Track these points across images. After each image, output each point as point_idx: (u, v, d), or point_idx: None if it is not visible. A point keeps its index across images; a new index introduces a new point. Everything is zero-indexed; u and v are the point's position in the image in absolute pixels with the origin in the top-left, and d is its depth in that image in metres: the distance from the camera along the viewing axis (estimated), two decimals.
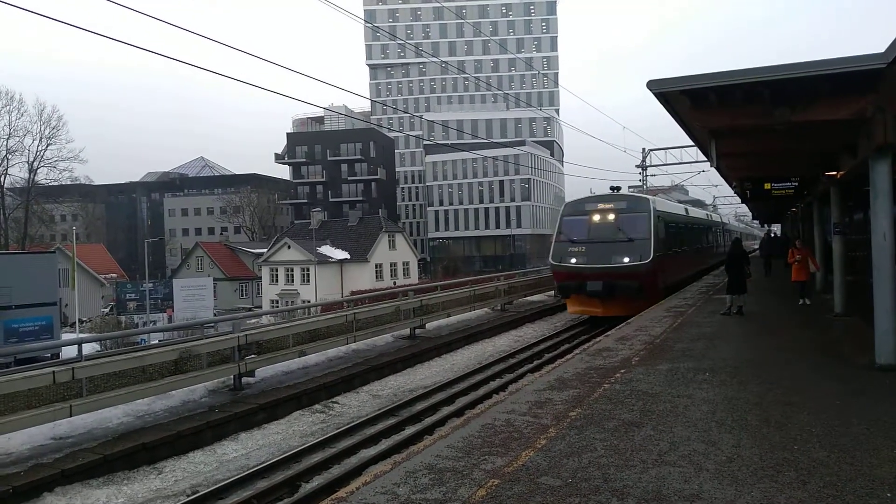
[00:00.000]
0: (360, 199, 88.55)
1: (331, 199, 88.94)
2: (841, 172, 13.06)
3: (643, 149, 42.31)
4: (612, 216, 20.80)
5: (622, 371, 9.51)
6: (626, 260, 19.61)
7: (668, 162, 40.84)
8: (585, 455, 5.88)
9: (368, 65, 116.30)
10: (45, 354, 19.40)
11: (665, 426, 6.68)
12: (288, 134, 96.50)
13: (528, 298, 27.55)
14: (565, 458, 5.83)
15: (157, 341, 23.54)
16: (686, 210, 29.21)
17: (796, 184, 16.77)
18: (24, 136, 61.44)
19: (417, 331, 18.33)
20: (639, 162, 41.72)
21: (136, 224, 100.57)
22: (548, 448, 6.11)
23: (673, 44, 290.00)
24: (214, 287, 53.32)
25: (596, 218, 21.03)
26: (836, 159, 13.13)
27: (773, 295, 19.83)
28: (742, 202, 31.83)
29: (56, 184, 67.06)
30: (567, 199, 31.06)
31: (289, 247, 59.41)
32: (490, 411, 7.59)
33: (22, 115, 63.89)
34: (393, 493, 5.18)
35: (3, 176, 61.41)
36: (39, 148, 62.23)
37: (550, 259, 21.71)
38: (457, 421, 7.30)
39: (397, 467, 5.81)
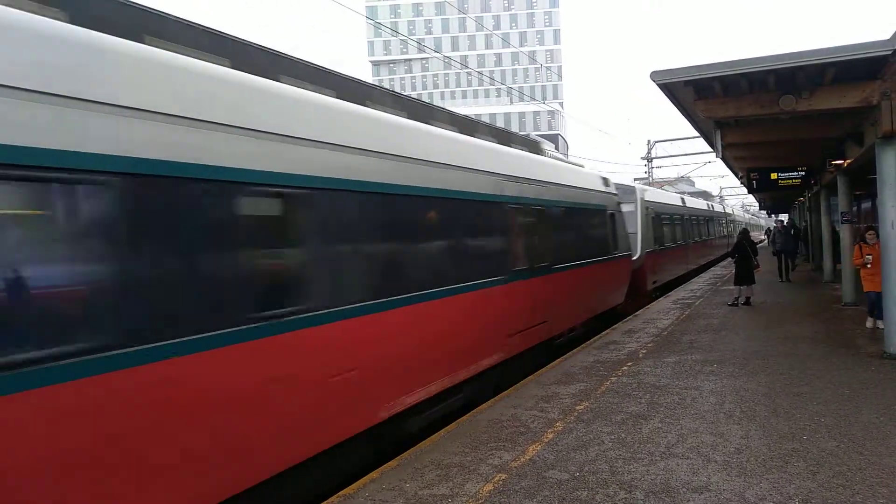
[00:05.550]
0: None
1: None
2: (847, 161, 12.97)
3: (648, 140, 42.05)
4: None
5: (629, 364, 9.49)
6: None
7: (674, 153, 40.56)
8: (593, 448, 5.87)
9: (371, 61, 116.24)
10: None
11: (673, 418, 6.66)
12: None
13: None
14: (572, 451, 5.82)
15: None
16: None
17: (803, 173, 16.68)
18: None
19: None
20: (644, 154, 41.49)
21: None
22: (555, 442, 6.10)
23: (678, 29, 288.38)
24: None
25: None
26: (842, 148, 13.04)
27: (781, 285, 19.73)
28: (748, 193, 31.56)
29: None
30: None
31: None
32: (496, 406, 7.59)
33: None
34: (400, 490, 5.19)
35: None
36: None
37: None
38: (462, 416, 7.31)
39: (404, 463, 5.82)
